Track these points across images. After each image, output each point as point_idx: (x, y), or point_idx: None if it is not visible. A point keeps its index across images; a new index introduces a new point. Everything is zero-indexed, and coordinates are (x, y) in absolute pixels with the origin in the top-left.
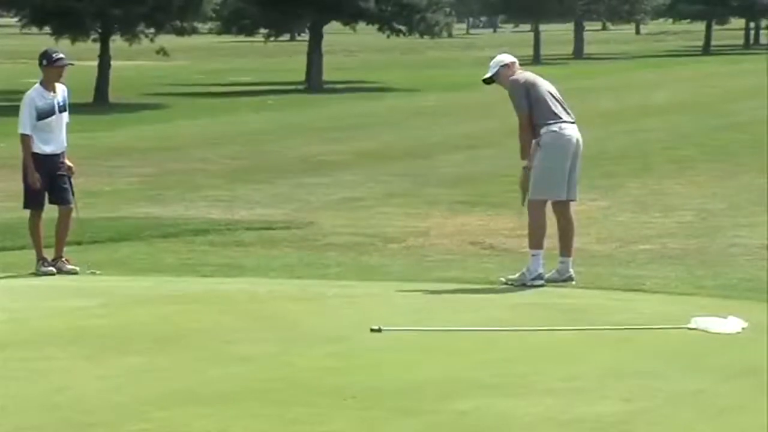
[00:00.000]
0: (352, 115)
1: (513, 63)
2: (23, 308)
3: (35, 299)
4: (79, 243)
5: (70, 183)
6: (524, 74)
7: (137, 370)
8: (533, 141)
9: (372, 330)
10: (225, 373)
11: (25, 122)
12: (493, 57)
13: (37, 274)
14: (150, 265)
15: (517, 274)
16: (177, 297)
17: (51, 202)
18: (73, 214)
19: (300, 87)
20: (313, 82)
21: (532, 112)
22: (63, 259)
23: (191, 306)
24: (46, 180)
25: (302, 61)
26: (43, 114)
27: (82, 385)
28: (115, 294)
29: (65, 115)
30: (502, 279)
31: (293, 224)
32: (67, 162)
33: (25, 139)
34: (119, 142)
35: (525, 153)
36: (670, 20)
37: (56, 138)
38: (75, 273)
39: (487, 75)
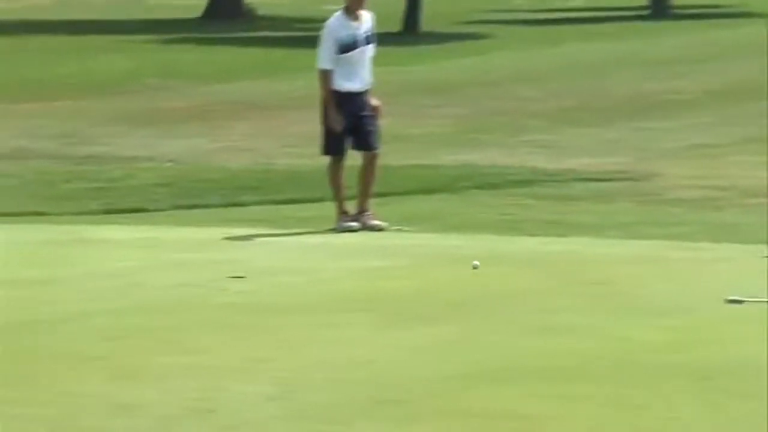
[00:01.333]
0: (702, 44)
1: None
2: (321, 268)
3: (334, 258)
4: (385, 194)
5: (376, 125)
6: None
7: (444, 341)
8: None
9: (728, 301)
10: (542, 347)
11: (325, 56)
12: None
13: (338, 230)
14: (464, 221)
15: None
16: (493, 258)
17: (355, 147)
18: (379, 161)
19: (642, 13)
20: (659, 7)
21: None
22: (367, 212)
23: (509, 268)
24: (349, 122)
25: None
26: (346, 46)
27: (382, 356)
28: (423, 253)
29: (370, 48)
30: None
31: (631, 175)
32: (373, 101)
33: (325, 75)
34: (431, 78)
35: None
36: None
37: (360, 73)
38: (380, 229)
39: None
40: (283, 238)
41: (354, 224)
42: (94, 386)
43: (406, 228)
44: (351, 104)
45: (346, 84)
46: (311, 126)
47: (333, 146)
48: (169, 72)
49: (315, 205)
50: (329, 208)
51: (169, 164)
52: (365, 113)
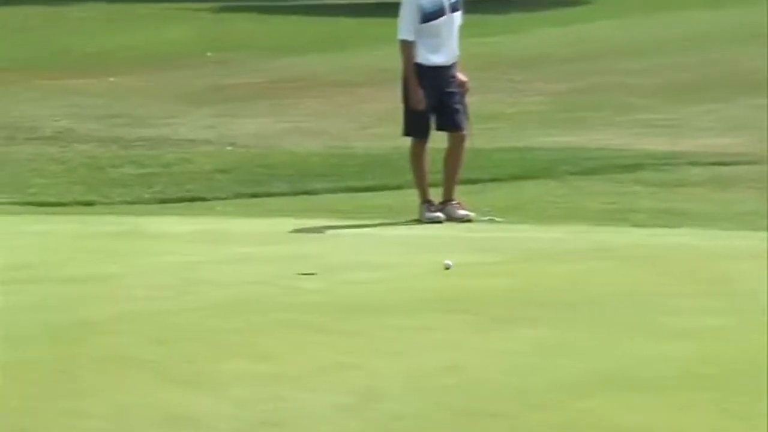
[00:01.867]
0: None
1: None
2: (401, 264)
3: (417, 253)
4: (474, 181)
5: (463, 103)
6: None
7: (545, 346)
8: None
9: None
10: (657, 352)
11: (406, 25)
12: None
13: (421, 221)
14: (565, 211)
15: None
16: (598, 252)
17: (439, 127)
18: (467, 144)
19: None
20: None
21: None
22: (454, 202)
23: (615, 264)
24: (434, 99)
25: None
26: (430, 14)
27: (475, 364)
28: (517, 247)
29: (457, 16)
30: None
31: (755, 159)
32: (460, 76)
33: (407, 47)
34: (525, 49)
35: None
36: None
37: (446, 45)
38: (468, 220)
39: None
40: (359, 230)
41: (439, 215)
42: (148, 395)
43: (497, 219)
44: (436, 79)
45: (430, 57)
46: (390, 104)
47: (416, 126)
48: (228, 44)
49: (394, 192)
50: (411, 197)
51: (230, 148)
52: (451, 89)
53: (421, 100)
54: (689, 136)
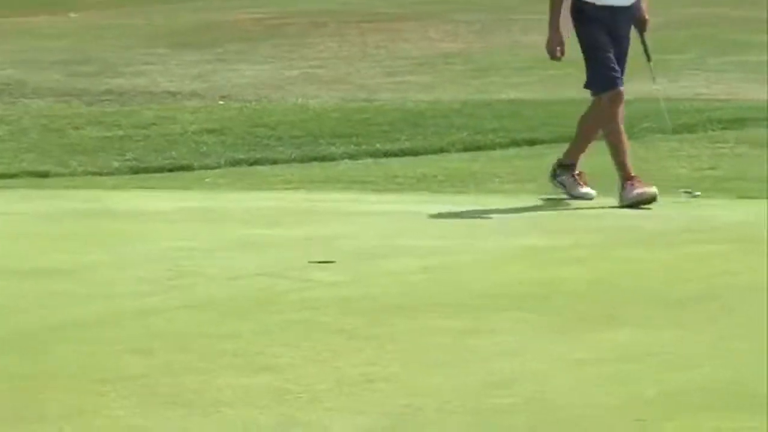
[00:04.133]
0: None
1: None
2: (444, 250)
3: (465, 237)
4: (531, 143)
5: (646, 46)
6: None
7: (630, 352)
8: None
9: None
10: None
11: None
12: None
13: (623, 201)
14: (649, 178)
15: None
16: (699, 233)
17: None
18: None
19: None
20: None
21: None
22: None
23: (727, 246)
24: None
25: None
26: None
27: (545, 373)
28: (598, 227)
29: None
30: None
31: None
32: (644, 13)
33: None
34: None
35: None
36: None
37: None
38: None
39: None
40: (390, 207)
41: (589, 191)
42: (129, 418)
43: (695, 193)
44: (611, 24)
45: None
46: (433, 44)
47: (609, 73)
48: None
49: (435, 158)
50: (456, 163)
51: (222, 102)
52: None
53: (559, 43)
54: None
